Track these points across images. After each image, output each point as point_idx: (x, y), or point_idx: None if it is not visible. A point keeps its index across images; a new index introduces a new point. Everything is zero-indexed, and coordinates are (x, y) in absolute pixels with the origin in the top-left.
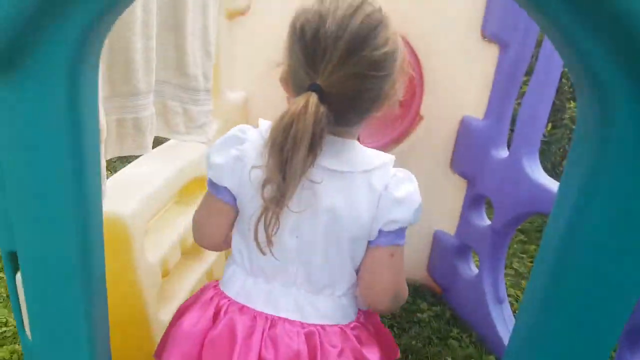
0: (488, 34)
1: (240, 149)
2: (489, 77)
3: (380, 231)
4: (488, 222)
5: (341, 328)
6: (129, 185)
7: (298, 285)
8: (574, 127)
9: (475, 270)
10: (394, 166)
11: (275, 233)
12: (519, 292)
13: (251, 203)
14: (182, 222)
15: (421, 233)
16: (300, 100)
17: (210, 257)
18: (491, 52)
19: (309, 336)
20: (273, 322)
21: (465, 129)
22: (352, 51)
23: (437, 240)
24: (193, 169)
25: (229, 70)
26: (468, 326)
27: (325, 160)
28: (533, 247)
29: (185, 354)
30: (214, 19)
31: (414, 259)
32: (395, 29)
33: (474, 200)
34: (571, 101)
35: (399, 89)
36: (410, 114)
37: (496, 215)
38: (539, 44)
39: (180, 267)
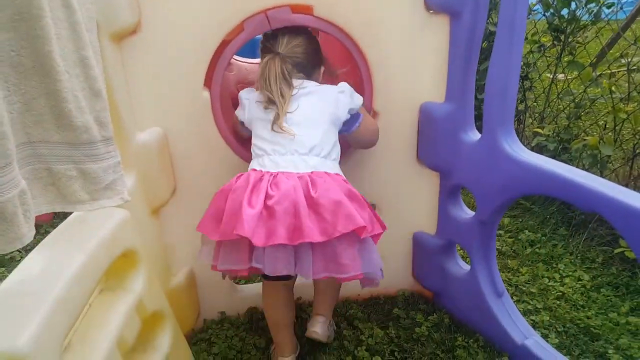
0: (434, 5)
1: (247, 97)
2: (442, 53)
3: (345, 122)
4: (470, 213)
5: (327, 172)
6: (21, 299)
7: (292, 152)
8: None
9: (467, 267)
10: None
11: (281, 125)
12: (510, 276)
13: (262, 120)
14: (115, 316)
15: (400, 238)
16: (268, 56)
17: (164, 343)
18: (441, 25)
19: (301, 177)
20: (275, 175)
21: (426, 117)
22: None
23: (418, 242)
24: (114, 244)
25: (130, 106)
26: (471, 329)
27: (305, 87)
28: (507, 220)
29: (218, 207)
30: (93, 46)
31: (398, 267)
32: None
33: (450, 193)
34: None
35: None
36: None
37: (480, 205)
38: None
39: None
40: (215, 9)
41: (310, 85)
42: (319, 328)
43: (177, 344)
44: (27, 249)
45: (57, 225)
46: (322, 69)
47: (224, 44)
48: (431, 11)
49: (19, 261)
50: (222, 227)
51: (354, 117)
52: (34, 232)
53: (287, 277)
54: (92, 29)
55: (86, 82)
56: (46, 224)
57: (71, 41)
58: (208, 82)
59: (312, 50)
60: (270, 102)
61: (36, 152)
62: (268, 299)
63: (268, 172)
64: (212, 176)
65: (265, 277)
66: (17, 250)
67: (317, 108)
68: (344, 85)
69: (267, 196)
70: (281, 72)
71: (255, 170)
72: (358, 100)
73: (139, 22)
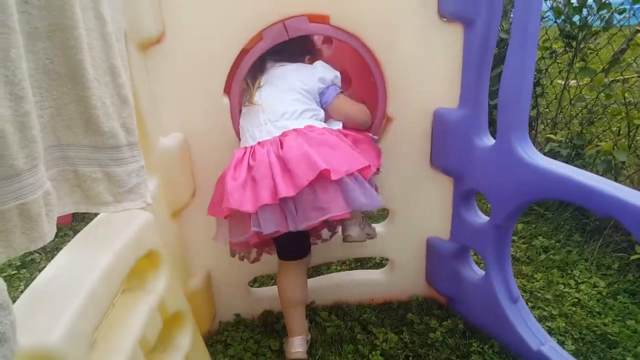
0: (447, 13)
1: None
2: (456, 60)
3: (322, 93)
4: (484, 218)
5: (295, 129)
6: (52, 296)
7: (265, 122)
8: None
9: (481, 272)
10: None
11: (251, 99)
12: (524, 282)
13: (243, 105)
14: (137, 316)
15: (414, 244)
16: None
17: (184, 343)
18: (455, 33)
19: (273, 141)
20: (253, 147)
21: (440, 123)
22: None
23: (432, 248)
24: (138, 245)
25: (155, 112)
26: (485, 335)
27: (282, 65)
28: (520, 226)
29: (220, 190)
30: (121, 55)
31: (412, 272)
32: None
33: (464, 197)
34: None
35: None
36: (376, 118)
37: (494, 209)
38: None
39: None
40: (235, 19)
41: (287, 64)
42: (352, 231)
43: (196, 345)
44: (47, 251)
45: (75, 228)
46: (307, 57)
47: (243, 53)
48: (444, 19)
49: (39, 263)
50: (222, 205)
51: (329, 88)
52: (55, 231)
53: (300, 257)
54: (120, 39)
55: (114, 90)
56: (65, 227)
57: (102, 51)
58: (227, 89)
59: (297, 39)
60: (247, 86)
61: (64, 154)
62: (281, 278)
63: (250, 146)
64: None
65: (280, 257)
66: (37, 252)
67: (288, 79)
68: (317, 63)
69: (249, 167)
70: (258, 60)
71: (238, 149)
72: (330, 72)
73: (163, 32)
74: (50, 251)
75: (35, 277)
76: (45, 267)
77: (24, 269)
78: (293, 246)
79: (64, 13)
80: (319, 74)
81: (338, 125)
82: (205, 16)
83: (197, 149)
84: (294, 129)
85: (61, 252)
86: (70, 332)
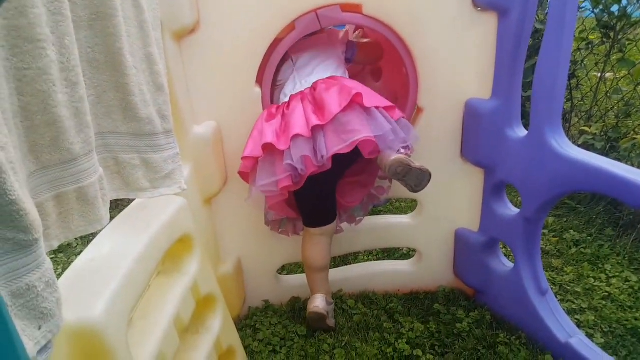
0: (481, 3)
1: None
2: (489, 50)
3: (346, 53)
4: (515, 210)
5: (322, 78)
6: (93, 275)
7: (301, 83)
8: None
9: (510, 264)
10: None
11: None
12: (554, 275)
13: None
14: (172, 297)
15: (442, 235)
16: None
17: (215, 325)
18: (489, 22)
19: (304, 91)
20: (287, 101)
21: (471, 114)
22: None
23: (461, 239)
24: (172, 229)
25: (189, 101)
26: (513, 326)
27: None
28: (551, 219)
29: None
30: (158, 44)
31: (439, 263)
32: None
33: (495, 189)
34: None
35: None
36: (406, 108)
37: (525, 201)
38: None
39: (182, 351)
40: (268, 9)
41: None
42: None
43: (227, 328)
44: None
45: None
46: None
47: (276, 42)
48: (479, 8)
49: (75, 247)
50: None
51: (349, 48)
52: (109, 215)
53: (325, 223)
54: (157, 28)
55: (151, 77)
56: None
57: (139, 39)
58: (259, 79)
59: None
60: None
61: (105, 142)
62: (306, 245)
63: (283, 102)
64: None
65: (305, 224)
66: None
67: (320, 51)
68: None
69: (283, 115)
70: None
71: (270, 106)
72: (345, 35)
73: (197, 22)
74: (85, 237)
75: (72, 261)
76: (81, 252)
77: (61, 254)
78: (318, 210)
79: (105, 2)
80: (339, 46)
81: None
82: (239, 6)
83: (229, 138)
84: (323, 79)
85: (99, 235)
86: (110, 309)
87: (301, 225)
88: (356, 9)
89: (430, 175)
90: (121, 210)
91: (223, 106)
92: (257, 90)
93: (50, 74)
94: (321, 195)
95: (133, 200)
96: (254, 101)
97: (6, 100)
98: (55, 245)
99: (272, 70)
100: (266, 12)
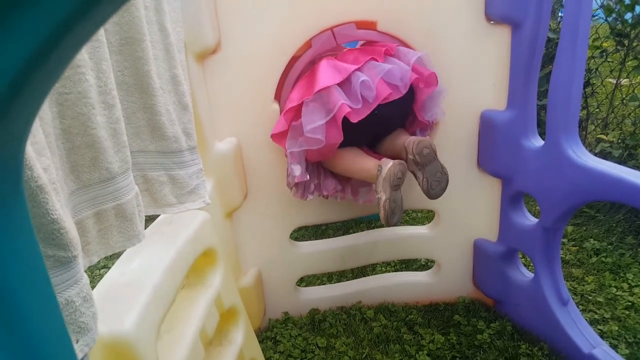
0: (495, 16)
1: None
2: (504, 62)
3: None
4: (533, 219)
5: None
6: (123, 289)
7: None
8: None
9: (530, 274)
10: None
11: None
12: (575, 285)
13: None
14: (197, 310)
15: (461, 246)
16: None
17: (238, 337)
18: (502, 35)
19: None
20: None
21: (487, 125)
22: None
23: (480, 250)
24: (197, 243)
25: (211, 118)
26: (535, 337)
27: None
28: (570, 228)
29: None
30: (182, 65)
31: (458, 274)
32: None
33: (512, 199)
34: None
35: None
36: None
37: (543, 211)
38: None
39: None
40: (285, 28)
41: None
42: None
43: (249, 340)
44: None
45: None
46: None
47: (293, 60)
48: (492, 22)
49: (99, 262)
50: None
51: None
52: (144, 232)
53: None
54: (181, 50)
55: (176, 97)
56: None
57: (165, 61)
58: (278, 95)
59: None
60: None
61: (135, 160)
62: (342, 154)
63: None
64: (281, 183)
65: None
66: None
67: None
68: None
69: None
70: None
71: None
72: None
73: (218, 43)
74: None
75: (96, 276)
76: (104, 266)
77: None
78: (362, 136)
79: (134, 27)
80: None
81: None
82: (259, 26)
83: (248, 154)
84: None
85: (127, 250)
86: (141, 322)
87: (324, 185)
88: (371, 26)
89: (448, 180)
90: (146, 225)
91: (243, 122)
92: (276, 106)
93: (90, 97)
94: (367, 129)
95: (156, 215)
96: (273, 117)
97: (49, 124)
98: (95, 260)
99: (290, 86)
100: (284, 31)
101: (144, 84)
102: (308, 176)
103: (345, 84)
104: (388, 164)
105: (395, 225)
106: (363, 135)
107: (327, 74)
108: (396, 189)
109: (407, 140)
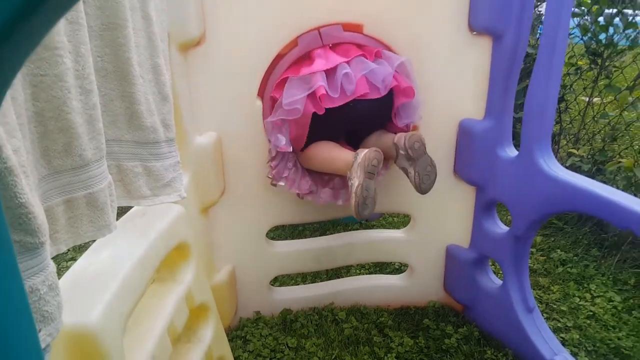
0: (478, 27)
1: None
2: (483, 72)
3: None
4: (504, 228)
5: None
6: (91, 280)
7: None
8: None
9: (498, 281)
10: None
11: None
12: (541, 293)
13: None
14: (167, 305)
15: (434, 251)
16: None
17: (207, 335)
18: (484, 46)
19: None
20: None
21: (465, 133)
22: None
23: (451, 255)
24: (170, 237)
25: (191, 111)
26: (500, 343)
27: None
28: (539, 238)
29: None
30: (164, 55)
31: (430, 279)
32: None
33: (486, 207)
34: None
35: None
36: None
37: (515, 220)
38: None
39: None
40: (272, 25)
41: None
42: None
43: (218, 338)
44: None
45: None
46: None
47: (278, 57)
48: (474, 32)
49: (67, 253)
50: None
51: None
52: (116, 222)
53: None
54: (164, 39)
55: (157, 87)
56: None
57: (147, 49)
58: (261, 92)
59: None
60: None
61: (110, 149)
62: (319, 146)
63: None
64: (259, 181)
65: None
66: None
67: None
68: None
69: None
70: None
71: None
72: None
73: (203, 35)
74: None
75: (62, 268)
76: (72, 257)
77: (52, 259)
78: (337, 128)
79: (116, 13)
80: None
81: None
82: (245, 21)
83: (229, 149)
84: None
85: (97, 240)
86: (107, 314)
87: (300, 184)
88: (357, 28)
89: (436, 173)
90: (119, 217)
91: (224, 117)
92: (259, 103)
93: (66, 81)
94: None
95: (129, 207)
96: (255, 113)
97: (21, 106)
98: (63, 249)
99: (273, 84)
100: (271, 28)
101: (123, 71)
102: (291, 148)
103: (330, 73)
104: (364, 151)
105: (366, 219)
106: (338, 127)
107: (318, 62)
108: (370, 177)
109: (397, 137)
